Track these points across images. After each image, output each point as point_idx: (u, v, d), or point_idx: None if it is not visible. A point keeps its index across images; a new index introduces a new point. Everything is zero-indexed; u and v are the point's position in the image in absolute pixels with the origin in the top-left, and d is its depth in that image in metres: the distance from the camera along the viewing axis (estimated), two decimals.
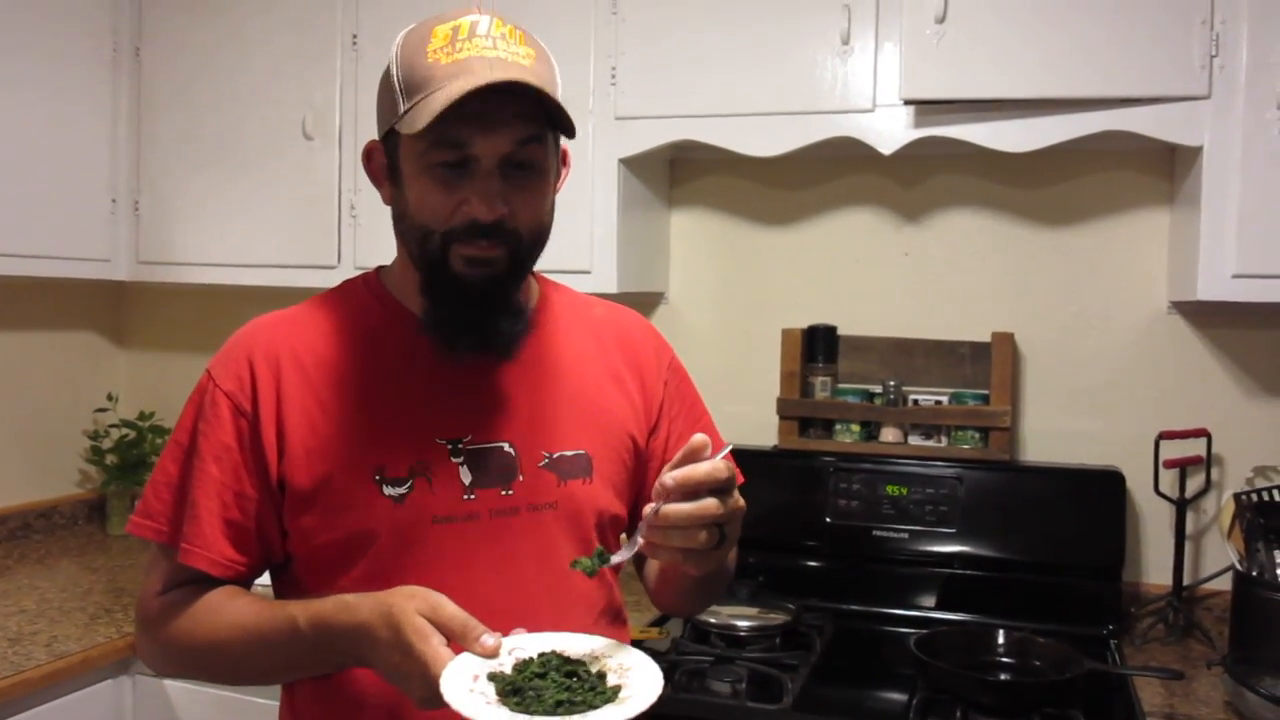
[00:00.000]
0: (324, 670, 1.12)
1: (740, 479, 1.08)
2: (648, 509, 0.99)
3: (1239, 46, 1.78)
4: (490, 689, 0.95)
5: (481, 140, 1.07)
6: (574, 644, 1.03)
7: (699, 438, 0.99)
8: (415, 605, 0.99)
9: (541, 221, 1.15)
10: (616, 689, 0.97)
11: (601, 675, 0.99)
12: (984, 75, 1.88)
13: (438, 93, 1.05)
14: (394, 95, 1.10)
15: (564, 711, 0.93)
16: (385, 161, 1.15)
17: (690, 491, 0.97)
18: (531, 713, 0.92)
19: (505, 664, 0.98)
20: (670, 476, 0.97)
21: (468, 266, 1.10)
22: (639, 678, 0.99)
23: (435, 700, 0.96)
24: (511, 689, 0.95)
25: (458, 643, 0.98)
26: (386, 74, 1.13)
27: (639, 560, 1.34)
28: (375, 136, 1.18)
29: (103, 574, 2.41)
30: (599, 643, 1.04)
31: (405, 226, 1.14)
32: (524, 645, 1.01)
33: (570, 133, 1.11)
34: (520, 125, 1.08)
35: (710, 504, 0.98)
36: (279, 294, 1.95)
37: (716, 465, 0.98)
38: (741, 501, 1.03)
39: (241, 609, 1.12)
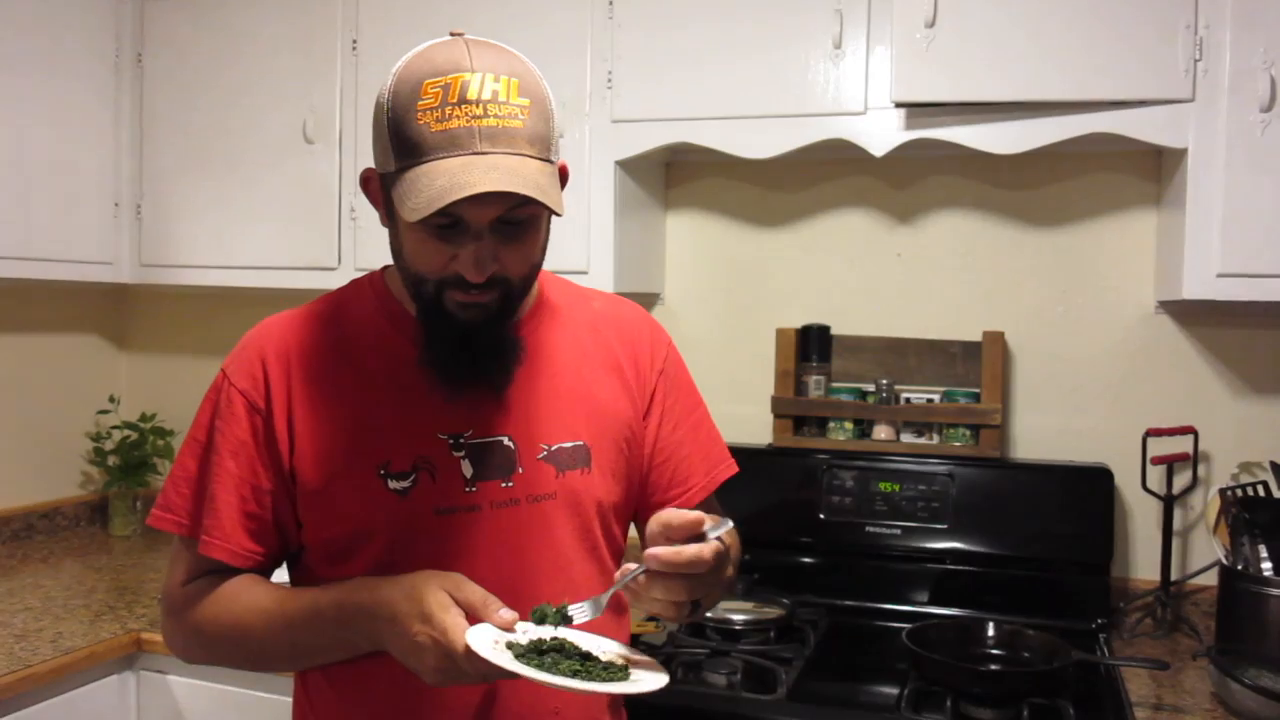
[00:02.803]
0: (342, 654, 1.15)
1: (736, 548, 1.16)
2: (628, 568, 1.04)
3: (1222, 51, 1.81)
4: (509, 654, 0.99)
5: (471, 210, 1.06)
6: (581, 638, 1.07)
7: (701, 518, 1.03)
8: (438, 581, 1.05)
9: (533, 264, 1.17)
10: (626, 672, 1.02)
11: (610, 663, 1.04)
12: (973, 78, 1.92)
13: (425, 169, 1.04)
14: (384, 142, 1.09)
15: (581, 679, 0.98)
16: (382, 192, 1.14)
17: (671, 573, 1.01)
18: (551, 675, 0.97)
19: (521, 640, 1.03)
20: (656, 559, 1.01)
21: (461, 309, 1.13)
22: (645, 670, 1.05)
23: (449, 671, 1.01)
24: (532, 653, 1.01)
25: (477, 613, 1.03)
26: (379, 110, 1.10)
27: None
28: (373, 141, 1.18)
29: (106, 573, 2.43)
30: (605, 641, 1.09)
31: (400, 264, 1.16)
32: (537, 631, 1.06)
33: (557, 212, 1.07)
34: (511, 194, 1.05)
35: (681, 586, 1.02)
36: (279, 296, 1.98)
37: (701, 554, 1.01)
38: (729, 572, 1.06)
39: (263, 594, 1.17)
